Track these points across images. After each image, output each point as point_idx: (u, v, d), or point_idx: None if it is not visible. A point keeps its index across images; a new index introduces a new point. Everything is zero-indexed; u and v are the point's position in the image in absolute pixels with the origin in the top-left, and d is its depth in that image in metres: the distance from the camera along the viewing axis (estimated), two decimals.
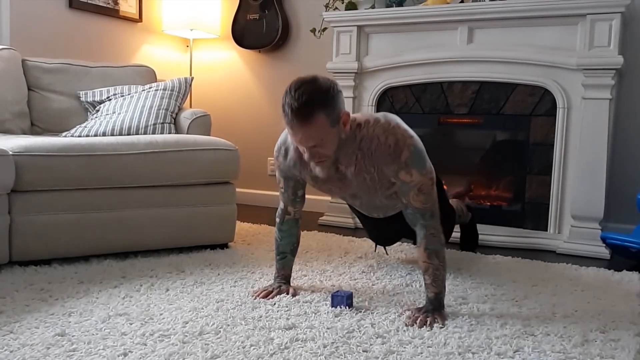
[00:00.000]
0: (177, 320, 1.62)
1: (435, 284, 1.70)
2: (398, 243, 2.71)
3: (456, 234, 2.73)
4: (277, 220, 1.95)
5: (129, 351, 1.40)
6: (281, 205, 1.93)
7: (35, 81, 2.87)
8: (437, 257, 1.69)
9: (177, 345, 1.45)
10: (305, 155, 1.61)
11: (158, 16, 4.02)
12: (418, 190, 1.66)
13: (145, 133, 2.69)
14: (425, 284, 1.72)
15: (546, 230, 2.87)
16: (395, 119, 1.72)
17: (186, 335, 1.51)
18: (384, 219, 2.05)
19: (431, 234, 1.69)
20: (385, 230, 2.19)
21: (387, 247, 2.53)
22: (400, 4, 3.22)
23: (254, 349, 1.44)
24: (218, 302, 1.79)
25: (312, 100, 1.51)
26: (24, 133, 2.75)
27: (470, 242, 2.74)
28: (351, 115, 1.68)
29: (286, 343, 1.47)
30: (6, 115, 2.67)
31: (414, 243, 2.20)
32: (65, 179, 2.19)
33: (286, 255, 1.95)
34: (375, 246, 2.41)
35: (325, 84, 1.56)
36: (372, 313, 1.73)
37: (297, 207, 1.91)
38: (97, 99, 2.89)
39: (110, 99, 2.87)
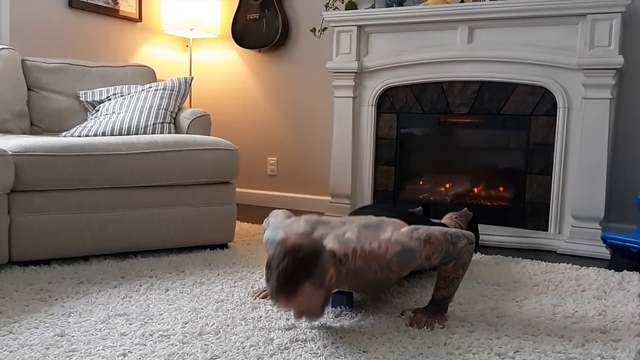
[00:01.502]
0: (177, 321, 1.61)
1: (448, 289, 1.68)
2: None
3: None
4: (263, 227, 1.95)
5: (129, 351, 1.40)
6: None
7: (34, 81, 2.86)
8: (462, 268, 1.66)
9: (176, 345, 1.45)
10: (294, 316, 1.55)
11: (158, 16, 4.02)
12: (428, 259, 1.62)
13: (145, 133, 2.69)
14: (437, 285, 1.70)
15: (547, 230, 2.87)
16: (367, 231, 1.63)
17: (186, 336, 1.51)
18: None
19: (464, 252, 1.65)
20: None
21: None
22: (400, 4, 3.22)
23: (253, 349, 1.43)
24: (218, 303, 1.79)
25: (296, 274, 1.44)
26: (24, 133, 2.75)
27: None
28: (329, 247, 1.59)
29: (286, 343, 1.47)
30: (6, 115, 2.66)
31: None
32: (65, 179, 2.18)
33: None
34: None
35: (308, 250, 1.49)
36: (372, 313, 1.73)
37: None
38: (97, 98, 2.89)
39: (109, 99, 2.86)
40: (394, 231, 1.62)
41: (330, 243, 1.61)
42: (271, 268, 1.47)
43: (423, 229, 1.62)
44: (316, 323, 1.63)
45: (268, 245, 1.80)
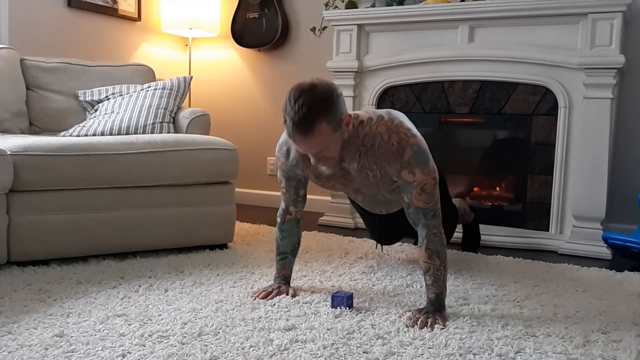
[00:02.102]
0: (176, 321, 1.61)
1: (436, 284, 1.69)
2: (399, 243, 2.70)
3: (458, 234, 2.72)
4: (278, 220, 1.93)
5: (128, 352, 1.39)
6: (282, 205, 1.92)
7: (33, 80, 2.85)
8: (438, 257, 1.68)
9: (176, 346, 1.44)
10: (312, 160, 1.61)
11: (157, 15, 4.01)
12: (421, 190, 1.65)
13: (144, 132, 2.68)
14: (426, 284, 1.71)
15: (547, 230, 2.86)
16: (399, 116, 1.71)
17: (185, 336, 1.50)
18: (386, 216, 2.04)
19: (433, 234, 1.68)
20: (387, 228, 2.18)
21: (385, 246, 2.52)
22: (400, 3, 3.21)
23: (253, 350, 1.43)
24: (217, 303, 1.78)
25: (312, 111, 1.49)
26: (23, 133, 2.74)
27: (472, 243, 2.73)
28: (354, 112, 1.67)
29: (286, 344, 1.46)
30: (4, 115, 2.66)
31: (415, 243, 2.19)
32: (64, 179, 2.18)
33: (287, 256, 1.93)
34: (376, 245, 2.40)
35: (325, 90, 1.53)
36: (372, 314, 1.72)
37: (299, 207, 1.90)
38: (96, 98, 2.88)
39: (108, 98, 2.86)
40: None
41: (357, 112, 1.68)
42: (287, 109, 1.51)
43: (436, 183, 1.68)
44: (316, 322, 1.61)
45: (283, 149, 1.80)
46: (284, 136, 1.82)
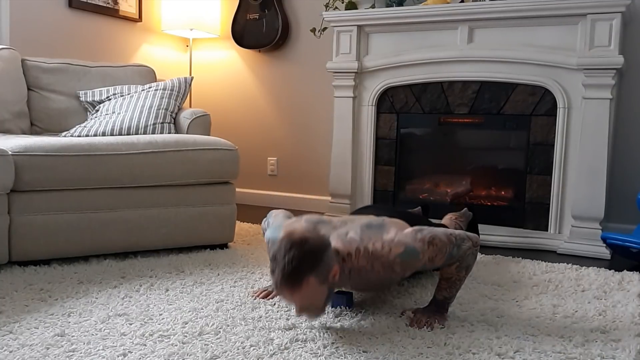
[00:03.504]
0: (177, 321, 1.61)
1: (449, 290, 1.68)
2: None
3: None
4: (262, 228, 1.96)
5: (129, 351, 1.40)
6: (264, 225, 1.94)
7: (34, 81, 2.86)
8: (466, 270, 1.66)
9: (176, 345, 1.44)
10: (295, 311, 1.54)
11: (158, 16, 4.02)
12: (431, 261, 1.61)
13: (144, 133, 2.69)
14: (439, 286, 1.69)
15: (547, 230, 2.87)
16: (370, 231, 1.62)
17: (186, 336, 1.51)
18: None
19: (468, 254, 1.64)
20: None
21: None
22: (400, 4, 3.22)
23: (253, 349, 1.43)
24: (218, 303, 1.79)
25: (300, 266, 1.44)
26: (24, 133, 2.75)
27: None
28: (333, 246, 1.60)
29: (286, 343, 1.47)
30: (6, 115, 2.66)
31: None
32: (65, 179, 2.18)
33: None
34: None
35: (316, 245, 1.49)
36: (372, 313, 1.73)
37: None
38: (97, 98, 2.89)
39: (109, 99, 2.86)
40: (397, 232, 1.62)
41: (333, 241, 1.60)
42: (276, 259, 1.47)
43: (427, 230, 1.61)
44: (316, 322, 1.62)
45: (270, 246, 1.80)
46: (272, 234, 1.76)
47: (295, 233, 1.51)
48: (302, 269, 1.45)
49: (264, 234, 1.95)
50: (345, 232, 1.64)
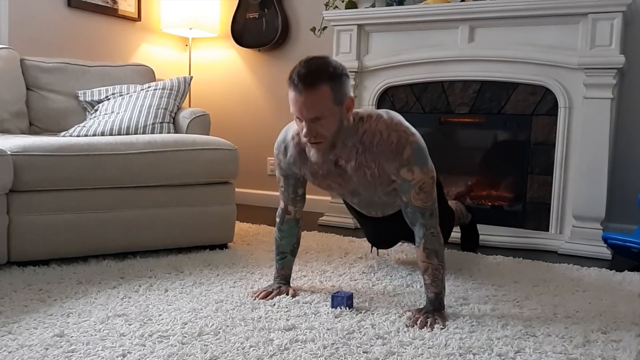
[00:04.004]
0: (176, 321, 1.61)
1: (434, 284, 1.69)
2: (398, 244, 2.69)
3: (457, 234, 2.72)
4: (277, 220, 1.93)
5: (128, 352, 1.39)
6: (281, 204, 1.92)
7: (33, 80, 2.85)
8: (436, 256, 1.68)
9: (176, 346, 1.44)
10: (303, 131, 1.60)
11: (157, 15, 4.01)
12: (419, 189, 1.66)
13: (144, 132, 2.68)
14: (424, 284, 1.71)
15: (547, 230, 2.86)
16: (398, 116, 1.72)
17: (185, 336, 1.50)
18: (382, 219, 2.04)
19: (430, 233, 1.69)
20: (383, 231, 2.17)
21: (383, 250, 2.51)
22: (400, 3, 3.21)
23: (253, 350, 1.43)
24: (217, 303, 1.78)
25: (320, 72, 1.55)
26: (23, 133, 2.74)
27: (471, 243, 2.73)
28: (354, 109, 1.68)
29: (286, 344, 1.46)
30: (4, 115, 2.66)
31: (414, 243, 2.18)
32: (64, 179, 2.18)
33: (286, 256, 1.93)
34: (372, 249, 2.39)
35: (335, 63, 1.60)
36: (372, 314, 1.72)
37: (298, 206, 1.90)
38: (96, 98, 2.88)
39: (109, 99, 2.86)
40: None
41: (357, 109, 1.69)
42: (297, 66, 1.56)
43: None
44: (316, 322, 1.62)
45: (281, 147, 1.81)
46: (282, 134, 1.83)
47: (318, 55, 1.61)
48: (320, 73, 1.54)
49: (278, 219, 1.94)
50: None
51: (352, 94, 1.64)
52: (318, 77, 1.54)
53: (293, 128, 1.78)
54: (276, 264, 1.95)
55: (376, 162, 1.67)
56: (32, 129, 2.83)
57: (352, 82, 3.27)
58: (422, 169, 1.65)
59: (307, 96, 1.54)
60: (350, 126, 1.65)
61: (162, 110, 2.77)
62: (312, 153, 1.69)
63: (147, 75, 3.17)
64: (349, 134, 1.66)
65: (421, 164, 1.65)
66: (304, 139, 1.64)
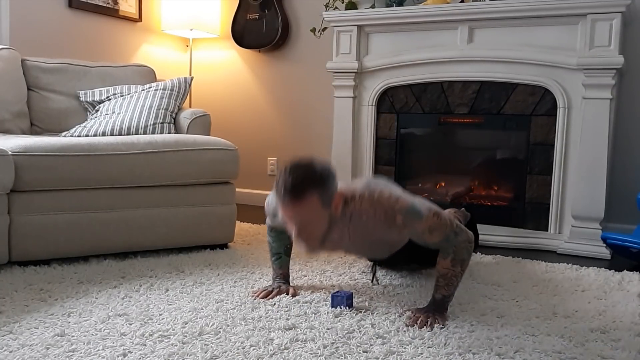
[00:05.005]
0: (177, 321, 1.61)
1: (447, 287, 1.68)
2: None
3: None
4: (267, 228, 1.97)
5: (129, 352, 1.40)
6: (268, 222, 1.96)
7: (34, 81, 2.86)
8: (461, 265, 1.67)
9: (176, 345, 1.44)
10: (293, 232, 1.57)
11: (157, 16, 4.02)
12: (429, 232, 1.64)
13: (144, 133, 2.69)
14: (436, 284, 1.70)
15: (547, 230, 2.87)
16: (378, 186, 1.68)
17: (186, 336, 1.51)
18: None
19: (462, 247, 1.66)
20: (384, 261, 2.13)
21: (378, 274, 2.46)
22: (400, 4, 3.22)
23: (253, 349, 1.43)
24: (218, 303, 1.79)
25: (306, 180, 1.51)
26: (24, 133, 2.75)
27: None
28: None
29: (286, 343, 1.47)
30: (5, 115, 2.66)
31: (425, 267, 2.17)
32: (65, 179, 2.18)
33: (281, 256, 1.95)
34: (373, 277, 2.14)
35: (321, 166, 1.55)
36: (372, 313, 1.73)
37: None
38: (97, 98, 2.89)
39: (109, 99, 2.86)
40: (405, 194, 1.67)
41: (339, 186, 1.64)
42: (282, 176, 1.52)
43: (435, 206, 1.66)
44: (316, 322, 1.62)
45: (272, 209, 1.81)
46: (271, 198, 1.81)
47: (302, 157, 1.56)
48: (307, 183, 1.50)
49: (268, 230, 1.96)
50: (352, 182, 1.71)
51: (338, 189, 1.59)
52: (305, 188, 1.50)
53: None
54: (273, 265, 1.97)
55: (371, 235, 1.67)
56: (33, 129, 2.84)
57: (352, 82, 3.29)
58: (421, 221, 1.63)
59: (295, 207, 1.51)
60: (338, 214, 1.63)
61: (163, 111, 2.78)
62: (301, 245, 1.65)
63: (147, 75, 3.17)
64: (337, 220, 1.64)
65: (417, 219, 1.63)
66: (293, 237, 1.61)
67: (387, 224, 1.63)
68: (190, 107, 3.73)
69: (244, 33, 3.93)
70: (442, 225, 1.64)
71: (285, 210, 1.53)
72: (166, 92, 2.85)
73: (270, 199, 1.83)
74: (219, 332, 1.54)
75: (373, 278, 2.09)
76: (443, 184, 3.25)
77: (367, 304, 1.82)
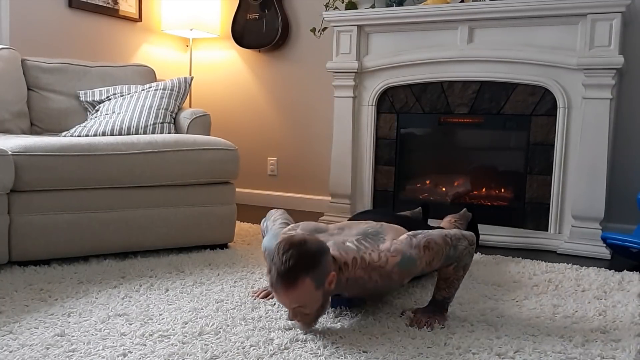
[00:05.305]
0: (177, 321, 1.61)
1: (448, 289, 1.68)
2: None
3: None
4: (261, 228, 1.97)
5: (129, 352, 1.40)
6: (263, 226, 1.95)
7: (34, 81, 2.86)
8: (463, 269, 1.67)
9: (176, 345, 1.44)
10: (288, 314, 1.55)
11: (158, 16, 4.02)
12: (428, 265, 1.62)
13: (144, 133, 2.69)
14: (437, 285, 1.70)
15: (547, 230, 2.87)
16: (367, 248, 1.62)
17: (186, 336, 1.51)
18: None
19: (465, 254, 1.65)
20: None
21: None
22: (400, 4, 3.22)
23: (253, 349, 1.43)
24: (218, 303, 1.79)
25: (298, 265, 1.46)
26: (24, 133, 2.75)
27: None
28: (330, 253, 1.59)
29: (286, 343, 1.47)
30: (6, 115, 2.66)
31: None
32: (65, 179, 2.18)
33: None
34: None
35: (314, 247, 1.51)
36: (372, 313, 1.73)
37: None
38: (97, 98, 2.89)
39: (109, 99, 2.86)
40: (393, 240, 1.62)
41: (331, 249, 1.59)
42: (274, 260, 1.48)
43: (422, 235, 1.61)
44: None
45: (267, 255, 1.79)
46: (269, 243, 1.76)
47: (295, 236, 1.52)
48: (299, 268, 1.45)
49: (263, 235, 1.96)
50: (342, 240, 1.64)
51: (332, 269, 1.54)
52: (298, 273, 1.45)
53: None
54: None
55: (369, 290, 1.65)
56: (33, 129, 2.84)
57: (352, 82, 3.29)
58: (416, 266, 1.60)
59: (287, 293, 1.47)
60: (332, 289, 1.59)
61: (163, 111, 2.78)
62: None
63: (147, 75, 3.17)
64: (331, 292, 1.60)
65: (412, 267, 1.60)
66: (287, 317, 1.58)
67: (384, 282, 1.61)
68: (190, 107, 3.73)
69: (244, 33, 3.93)
70: (438, 252, 1.61)
71: (278, 296, 1.50)
72: (166, 92, 2.85)
73: (266, 243, 1.78)
74: (219, 332, 1.54)
75: None
76: (443, 184, 3.25)
77: (367, 304, 1.82)
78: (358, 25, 3.25)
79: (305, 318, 1.54)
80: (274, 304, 1.78)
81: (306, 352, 1.42)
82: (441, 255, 1.61)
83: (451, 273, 1.66)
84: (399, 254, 1.58)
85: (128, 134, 2.66)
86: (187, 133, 2.79)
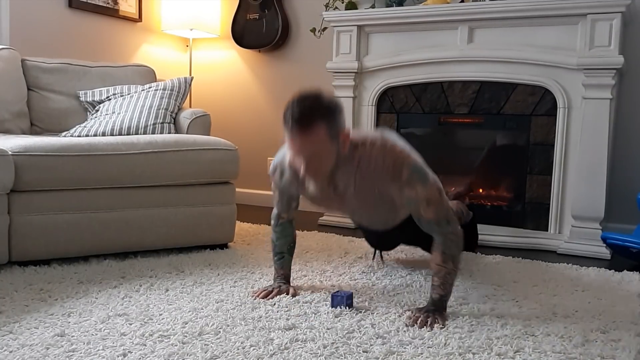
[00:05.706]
0: (177, 321, 1.61)
1: (443, 286, 1.69)
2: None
3: None
4: (272, 222, 1.97)
5: (129, 352, 1.40)
6: (275, 210, 1.95)
7: (34, 81, 2.86)
8: (452, 261, 1.68)
9: (176, 345, 1.45)
10: (302, 168, 1.58)
11: (158, 16, 4.02)
12: (426, 204, 1.65)
13: (144, 133, 2.69)
14: (432, 284, 1.71)
15: (547, 230, 2.87)
16: (392, 137, 1.71)
17: (186, 336, 1.51)
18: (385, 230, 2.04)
19: (450, 240, 1.68)
20: (385, 239, 2.18)
21: (385, 252, 2.52)
22: (400, 4, 3.22)
23: (253, 349, 1.43)
24: (218, 303, 1.79)
25: (314, 110, 1.53)
26: (24, 133, 2.75)
27: (470, 242, 2.73)
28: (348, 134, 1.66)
29: (286, 343, 1.47)
30: (6, 115, 2.66)
31: (428, 250, 2.18)
32: (65, 179, 2.18)
33: (284, 255, 1.95)
34: (374, 253, 2.38)
35: (329, 99, 1.58)
36: (372, 313, 1.73)
37: (291, 212, 1.94)
38: (97, 98, 2.89)
39: (109, 99, 2.86)
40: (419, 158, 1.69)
41: (351, 135, 1.65)
42: (290, 108, 1.53)
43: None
44: (316, 322, 1.62)
45: (277, 170, 1.80)
46: (279, 157, 1.82)
47: (309, 90, 1.57)
48: (315, 113, 1.52)
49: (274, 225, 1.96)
50: (364, 130, 1.73)
51: (346, 126, 1.61)
52: (313, 117, 1.52)
53: (290, 152, 1.74)
54: (275, 264, 1.97)
55: (375, 186, 1.68)
56: (33, 129, 2.84)
57: (352, 82, 3.28)
58: (424, 185, 1.65)
59: (303, 137, 1.53)
60: (346, 155, 1.64)
61: (163, 111, 2.78)
62: (310, 183, 1.70)
63: (147, 75, 3.17)
64: (345, 162, 1.66)
65: (422, 180, 1.65)
66: (302, 173, 1.62)
67: (392, 176, 1.63)
68: (190, 107, 3.73)
69: (244, 33, 3.93)
70: (440, 204, 1.67)
71: (293, 142, 1.54)
72: (166, 92, 2.85)
73: (276, 159, 1.82)
74: (219, 332, 1.54)
75: (376, 256, 2.08)
76: (443, 184, 3.24)
77: (367, 304, 1.82)
78: (358, 25, 3.25)
79: (318, 172, 1.58)
80: (274, 304, 1.78)
81: (306, 352, 1.42)
82: (439, 211, 1.66)
83: (440, 264, 1.67)
84: (420, 163, 1.65)
85: (128, 134, 2.66)
86: (187, 133, 2.79)
